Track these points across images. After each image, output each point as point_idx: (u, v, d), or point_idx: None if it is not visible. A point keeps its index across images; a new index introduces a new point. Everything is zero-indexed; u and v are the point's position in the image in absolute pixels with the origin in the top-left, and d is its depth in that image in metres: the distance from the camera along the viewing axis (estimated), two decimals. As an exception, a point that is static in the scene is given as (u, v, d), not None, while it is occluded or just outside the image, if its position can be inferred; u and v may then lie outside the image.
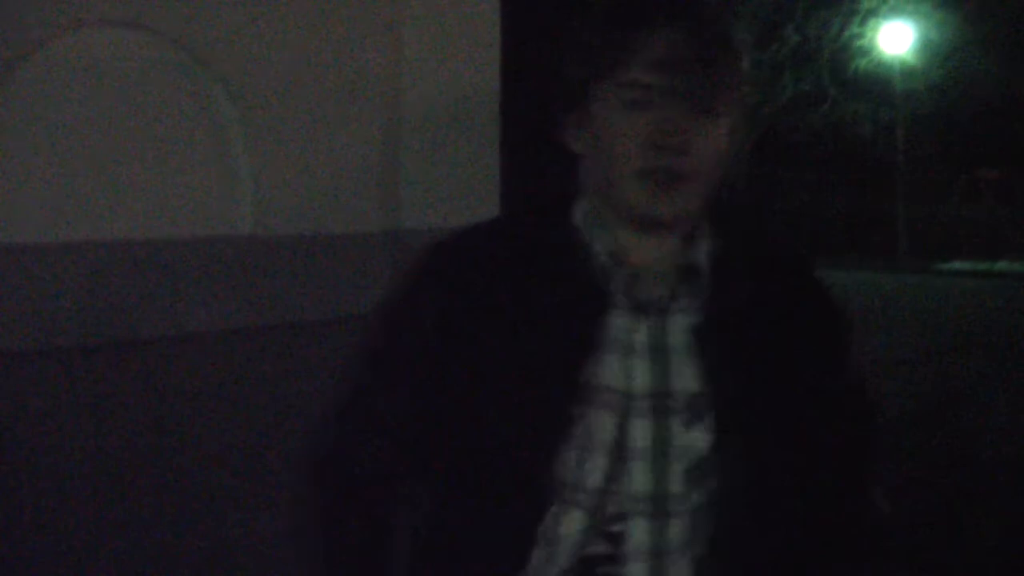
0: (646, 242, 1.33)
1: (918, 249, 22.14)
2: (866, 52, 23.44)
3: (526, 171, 14.31)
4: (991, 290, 17.74)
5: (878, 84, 23.10)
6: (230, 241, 12.07)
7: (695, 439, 1.30)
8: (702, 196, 1.31)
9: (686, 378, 1.31)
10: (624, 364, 1.29)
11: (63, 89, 10.78)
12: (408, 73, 13.93)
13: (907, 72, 22.93)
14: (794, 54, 23.17)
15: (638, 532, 1.30)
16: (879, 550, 1.43)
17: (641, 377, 1.30)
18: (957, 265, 21.55)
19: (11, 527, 5.23)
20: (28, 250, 10.46)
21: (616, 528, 1.29)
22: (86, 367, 9.50)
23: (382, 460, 1.37)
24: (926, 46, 23.00)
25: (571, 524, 1.29)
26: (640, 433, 1.29)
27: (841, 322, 1.42)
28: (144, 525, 5.23)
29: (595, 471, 1.28)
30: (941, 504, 5.51)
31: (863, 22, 23.35)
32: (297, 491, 1.40)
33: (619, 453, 1.29)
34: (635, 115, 1.27)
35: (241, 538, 5.01)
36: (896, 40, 23.10)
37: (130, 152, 11.29)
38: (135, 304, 10.92)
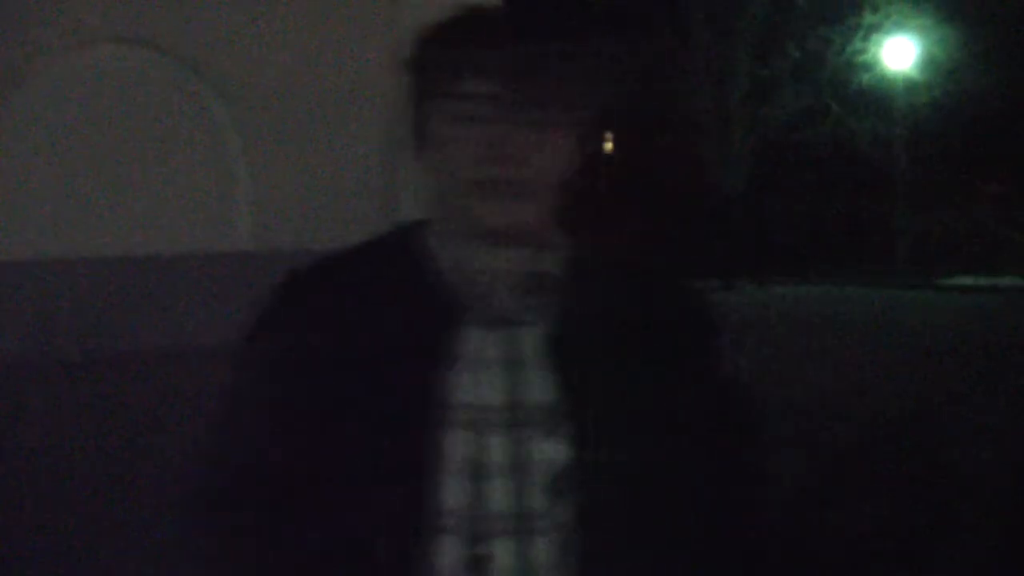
0: (493, 254, 1.30)
1: (919, 262, 22.11)
2: (869, 68, 23.43)
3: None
4: (993, 306, 17.66)
5: (881, 100, 23.09)
6: (228, 253, 12.11)
7: (553, 452, 1.26)
8: (543, 207, 1.29)
9: (540, 389, 1.27)
10: (476, 379, 1.26)
11: (61, 103, 10.88)
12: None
13: (910, 87, 22.94)
14: (795, 69, 23.19)
15: (504, 553, 1.25)
16: (758, 554, 1.39)
17: (494, 391, 1.26)
18: (959, 280, 21.50)
19: (11, 527, 5.25)
20: (26, 265, 10.49)
21: (482, 551, 1.25)
22: (85, 380, 9.50)
23: (240, 491, 1.33)
24: (929, 61, 23.01)
25: (447, 552, 1.25)
26: (497, 449, 1.25)
27: (707, 328, 1.39)
28: (144, 525, 5.16)
29: (457, 492, 1.25)
30: (938, 511, 5.50)
31: (866, 37, 23.36)
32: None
33: (478, 471, 1.25)
34: (468, 128, 1.26)
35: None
36: (899, 56, 23.12)
37: (128, 166, 11.39)
38: (132, 317, 10.95)
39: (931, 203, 22.62)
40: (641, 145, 24.65)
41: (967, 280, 21.32)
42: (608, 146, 27.45)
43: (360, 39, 13.31)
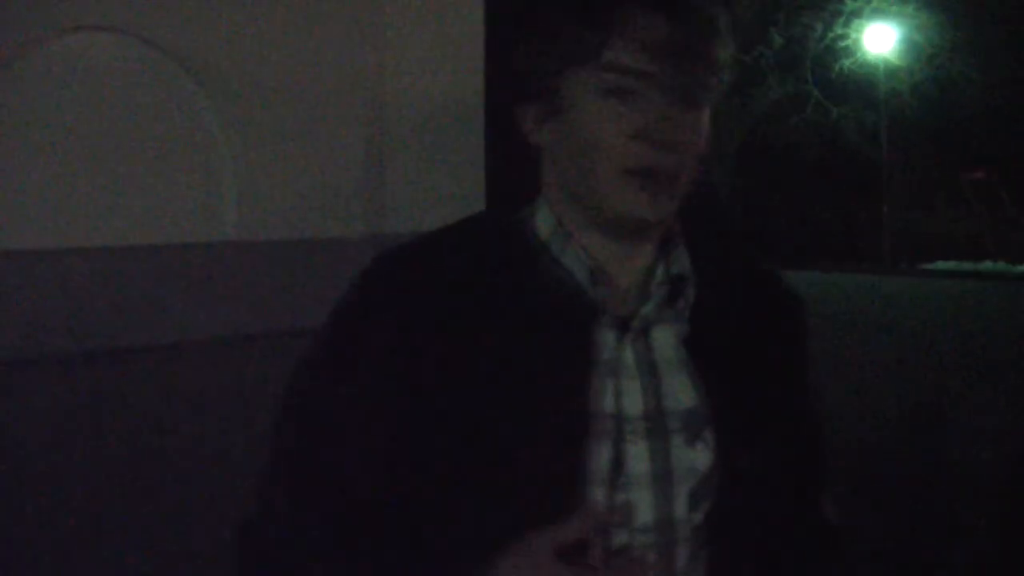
0: (623, 250, 1.20)
1: (902, 250, 22.25)
2: (850, 53, 23.53)
3: (512, 174, 14.26)
4: (976, 291, 17.83)
5: (862, 85, 23.20)
6: (215, 246, 12.05)
7: (696, 458, 1.20)
8: (683, 196, 1.19)
9: (680, 395, 1.20)
10: (614, 385, 1.17)
11: (48, 96, 10.79)
12: (392, 76, 13.91)
13: (891, 73, 23.04)
14: (778, 57, 23.25)
15: (645, 563, 1.19)
16: (836, 561, 1.37)
17: (633, 397, 1.18)
18: (941, 265, 21.67)
19: (11, 527, 5.20)
20: (13, 256, 10.40)
21: (619, 562, 1.17)
22: (79, 375, 9.46)
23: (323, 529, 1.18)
24: (909, 47, 23.11)
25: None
26: (638, 458, 1.18)
27: (807, 328, 1.34)
28: (144, 525, 5.21)
29: (599, 504, 1.15)
30: (937, 506, 5.52)
31: (846, 23, 23.44)
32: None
33: (617, 482, 1.17)
34: (618, 104, 1.14)
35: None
36: (879, 41, 23.21)
37: (115, 158, 11.29)
38: (121, 311, 10.88)
39: (915, 190, 22.73)
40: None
41: (950, 265, 21.50)
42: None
43: (348, 34, 13.28)
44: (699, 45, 1.14)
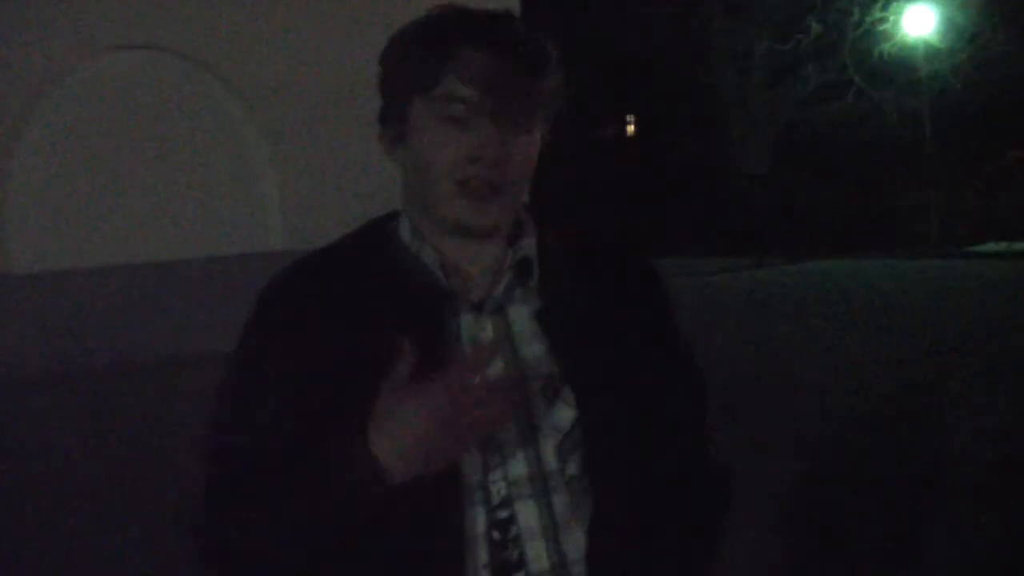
0: (470, 247, 1.40)
1: (950, 232, 21.91)
2: (889, 36, 23.22)
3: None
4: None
5: (902, 69, 22.88)
6: (259, 258, 12.13)
7: (558, 415, 1.36)
8: (516, 203, 1.39)
9: (537, 360, 1.37)
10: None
11: (82, 115, 10.94)
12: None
13: (931, 54, 22.73)
14: (816, 44, 23.02)
15: (526, 513, 1.34)
16: (722, 499, 1.51)
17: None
18: (991, 247, 21.31)
19: (11, 527, 5.29)
20: (52, 276, 10.56)
21: (503, 514, 1.34)
22: (114, 389, 9.55)
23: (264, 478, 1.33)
24: (950, 27, 22.78)
25: (473, 520, 1.33)
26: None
27: (663, 294, 1.51)
28: (144, 525, 5.25)
29: (474, 464, 1.33)
30: (939, 500, 5.49)
31: (884, 7, 23.15)
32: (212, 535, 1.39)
33: (490, 441, 1.33)
34: (452, 129, 1.33)
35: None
36: (919, 23, 22.91)
37: (153, 175, 11.44)
38: (157, 324, 10.99)
39: (959, 172, 22.40)
40: (662, 128, 24.58)
41: (997, 247, 21.13)
42: (630, 128, 27.40)
43: (381, 36, 13.32)
44: (522, 77, 1.33)
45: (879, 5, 23.11)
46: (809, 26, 22.85)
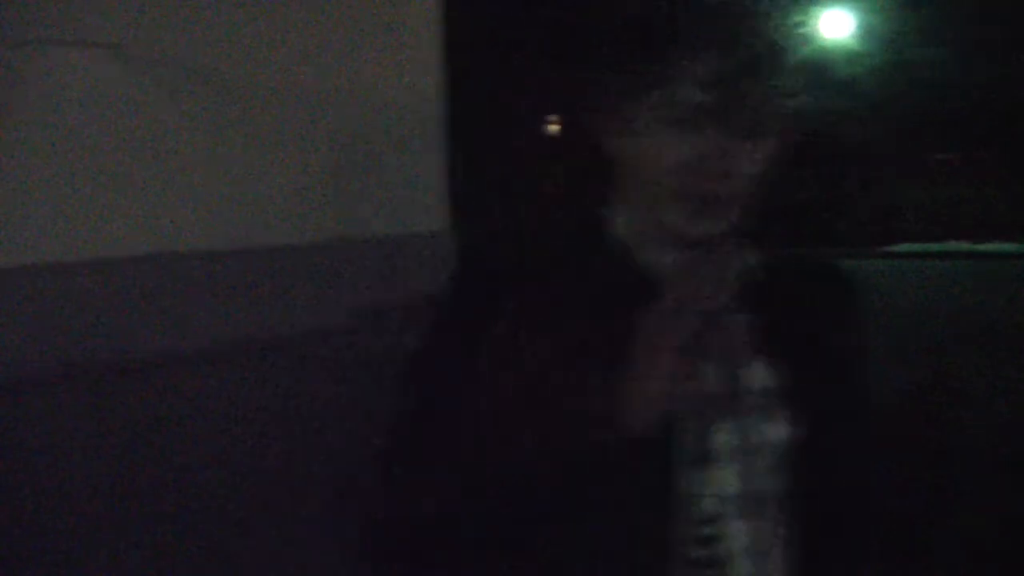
0: (690, 255, 1.30)
1: (873, 232, 22.72)
2: (808, 40, 22.32)
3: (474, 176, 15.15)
4: (941, 271, 18.35)
5: (820, 73, 22.30)
6: (232, 251, 12.24)
7: (774, 433, 1.32)
8: (738, 215, 1.30)
9: (755, 375, 1.32)
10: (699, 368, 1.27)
11: (60, 107, 10.79)
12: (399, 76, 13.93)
13: (850, 59, 22.29)
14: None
15: (734, 532, 1.31)
16: (879, 540, 1.48)
17: (714, 378, 1.30)
18: (905, 247, 22.35)
19: (11, 527, 5.33)
20: (34, 271, 10.42)
21: (708, 531, 1.30)
22: (114, 385, 9.32)
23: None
24: (867, 32, 22.25)
25: (681, 535, 1.29)
26: (723, 434, 1.31)
27: (863, 311, 1.48)
28: (144, 525, 5.31)
29: (689, 478, 1.29)
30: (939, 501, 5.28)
31: (802, 11, 22.01)
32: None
33: (704, 456, 1.29)
34: (678, 135, 1.25)
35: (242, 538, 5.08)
36: (837, 27, 22.20)
37: (127, 168, 11.36)
38: (143, 319, 10.97)
39: (880, 174, 22.86)
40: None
41: (916, 247, 22.23)
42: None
43: (362, 38, 13.28)
44: (755, 80, 1.31)
45: (796, 10, 21.95)
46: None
